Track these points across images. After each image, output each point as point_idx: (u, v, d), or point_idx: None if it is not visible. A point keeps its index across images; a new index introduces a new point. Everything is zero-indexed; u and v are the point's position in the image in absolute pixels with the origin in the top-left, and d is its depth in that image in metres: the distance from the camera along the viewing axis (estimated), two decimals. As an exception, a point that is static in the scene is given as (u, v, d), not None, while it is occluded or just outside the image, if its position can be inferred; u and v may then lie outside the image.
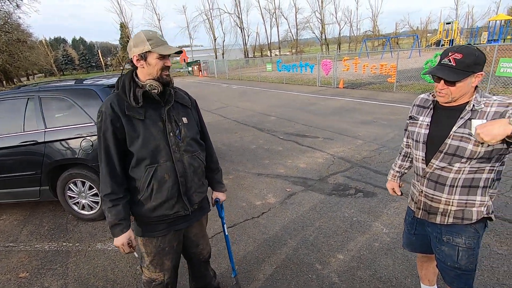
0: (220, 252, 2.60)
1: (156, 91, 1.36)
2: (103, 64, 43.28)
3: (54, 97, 3.17)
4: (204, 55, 43.88)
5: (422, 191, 1.43)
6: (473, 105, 1.24)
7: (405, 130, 1.63)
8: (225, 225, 1.90)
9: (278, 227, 2.93)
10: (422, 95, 1.50)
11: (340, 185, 3.70)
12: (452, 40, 25.73)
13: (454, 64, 1.20)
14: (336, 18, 54.58)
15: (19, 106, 3.20)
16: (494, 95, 1.32)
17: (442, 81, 1.25)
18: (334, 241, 2.64)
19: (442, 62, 1.24)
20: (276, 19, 46.89)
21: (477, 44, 23.35)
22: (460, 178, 1.29)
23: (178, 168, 1.42)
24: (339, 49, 48.29)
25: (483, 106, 1.22)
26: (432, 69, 1.27)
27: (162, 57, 1.35)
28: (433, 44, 28.63)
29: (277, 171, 4.31)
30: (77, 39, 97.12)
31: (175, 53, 1.38)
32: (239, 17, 44.30)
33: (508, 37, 24.38)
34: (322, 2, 45.72)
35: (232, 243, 2.72)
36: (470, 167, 1.26)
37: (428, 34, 42.92)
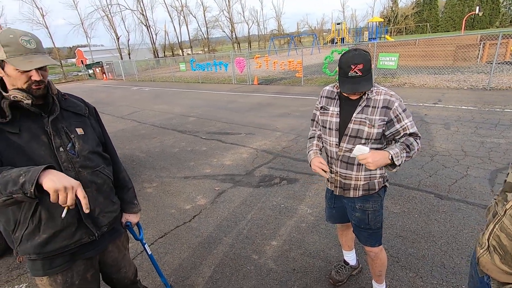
0: (152, 267, 2.42)
1: (28, 101, 1.10)
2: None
3: None
4: (107, 55, 39.41)
5: (337, 172, 1.64)
6: (368, 94, 1.47)
7: (313, 120, 1.80)
8: (146, 245, 1.71)
9: (211, 227, 2.91)
10: (327, 87, 1.67)
11: (266, 176, 3.90)
12: (343, 38, 29.85)
13: (361, 74, 1.35)
14: (244, 17, 56.59)
15: None
16: (378, 84, 1.61)
17: (354, 92, 1.40)
18: (267, 229, 2.78)
19: (349, 75, 1.37)
20: (184, 17, 45.51)
21: (361, 42, 27.74)
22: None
23: None
24: (250, 47, 50.25)
25: (374, 94, 1.47)
26: (346, 86, 1.40)
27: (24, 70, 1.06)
28: (329, 42, 32.69)
29: (203, 172, 4.25)
30: None
31: (38, 68, 1.08)
32: (143, 14, 41.25)
33: (382, 35, 29.73)
34: (229, 1, 46.59)
35: (165, 254, 2.58)
36: (370, 149, 1.46)
37: (324, 33, 48.57)
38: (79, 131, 1.26)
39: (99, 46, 53.16)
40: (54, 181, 0.94)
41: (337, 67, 1.48)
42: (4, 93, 1.09)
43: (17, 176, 0.94)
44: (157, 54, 42.62)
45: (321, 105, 1.66)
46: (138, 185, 3.98)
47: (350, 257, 2.14)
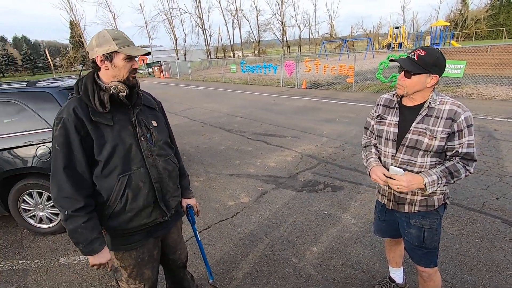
0: (196, 256, 2.56)
1: (123, 94, 1.27)
2: (51, 64, 39.72)
3: (1, 101, 2.87)
4: (165, 55, 42.47)
5: None
6: (430, 103, 1.38)
7: (366, 128, 1.72)
8: (197, 231, 1.85)
9: (253, 225, 2.97)
10: (385, 95, 1.59)
11: (310, 181, 3.85)
12: (401, 43, 27.99)
13: (416, 59, 1.32)
14: (296, 20, 56.44)
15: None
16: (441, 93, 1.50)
17: (402, 73, 1.37)
18: (308, 235, 2.75)
19: (408, 55, 1.37)
20: (238, 20, 47.10)
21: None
22: (423, 172, 1.41)
23: (152, 174, 1.35)
24: (300, 50, 49.88)
25: (438, 103, 1.37)
26: (398, 58, 1.41)
27: (129, 58, 1.26)
28: (385, 47, 30.91)
29: (248, 171, 4.34)
30: (19, 37, 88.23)
31: (144, 54, 1.31)
32: (200, 18, 43.68)
33: (447, 41, 27.17)
34: (282, 5, 46.90)
35: (208, 245, 2.70)
36: (430, 162, 1.41)
37: (380, 38, 46.15)
38: (154, 123, 1.42)
39: (158, 47, 57.49)
40: (94, 259, 1.27)
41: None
42: (105, 85, 1.27)
43: (78, 242, 1.25)
44: (210, 55, 44.69)
45: (377, 114, 1.58)
46: (187, 178, 4.22)
47: (397, 274, 2.01)
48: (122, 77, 1.27)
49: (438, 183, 1.35)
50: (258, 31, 48.70)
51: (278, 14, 47.58)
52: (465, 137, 1.34)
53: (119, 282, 1.50)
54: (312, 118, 7.25)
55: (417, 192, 1.48)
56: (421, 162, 1.42)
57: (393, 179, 1.40)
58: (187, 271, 1.90)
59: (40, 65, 66.03)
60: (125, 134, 1.29)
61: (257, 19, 48.26)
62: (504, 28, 43.73)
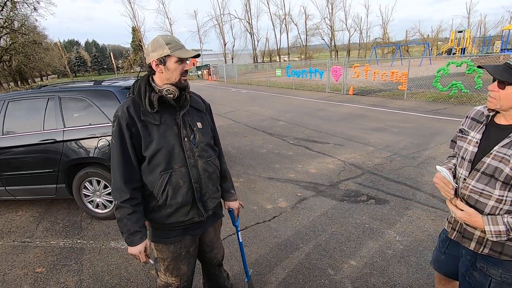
0: (232, 254, 2.61)
1: (172, 95, 1.34)
2: (114, 66, 44.14)
3: (73, 97, 3.26)
4: (214, 59, 44.35)
5: None
6: None
7: (453, 141, 1.51)
8: (239, 233, 1.88)
9: (289, 231, 2.93)
10: (478, 107, 1.33)
11: (352, 192, 3.69)
12: (464, 48, 25.45)
13: None
14: (346, 25, 54.58)
15: (39, 105, 3.31)
16: None
17: (495, 83, 1.14)
18: (347, 247, 2.63)
19: (507, 62, 1.11)
20: (286, 25, 47.26)
21: (490, 53, 23.11)
22: (501, 208, 1.15)
23: (192, 174, 1.40)
24: (349, 55, 48.23)
25: None
26: (489, 65, 1.15)
27: (181, 61, 1.33)
28: (445, 53, 28.40)
29: (287, 176, 4.31)
30: (90, 41, 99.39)
31: (193, 56, 1.36)
32: (249, 23, 44.77)
33: (522, 46, 24.02)
34: (332, 9, 45.92)
35: (244, 245, 2.74)
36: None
37: (439, 42, 42.60)
38: (199, 125, 1.48)
39: (208, 51, 60.19)
40: (131, 249, 1.38)
41: None
42: (158, 87, 1.36)
43: (122, 232, 1.37)
44: (256, 59, 45.51)
45: (462, 127, 1.35)
46: (227, 178, 4.34)
47: None
48: (175, 80, 1.34)
49: (504, 235, 1.10)
50: (306, 35, 48.32)
51: (327, 19, 46.71)
52: None
53: (158, 272, 1.60)
54: (358, 126, 6.94)
55: (491, 232, 1.16)
56: (499, 196, 1.14)
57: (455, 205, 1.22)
58: (223, 269, 1.95)
59: (105, 66, 73.71)
60: (170, 134, 1.36)
61: (305, 23, 47.95)
62: None
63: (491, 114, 1.23)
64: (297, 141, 6.05)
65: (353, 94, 12.31)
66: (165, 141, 1.35)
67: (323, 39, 48.71)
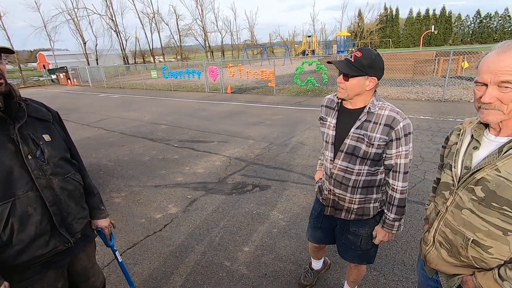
0: (121, 278, 2.34)
1: None
2: None
3: None
4: (72, 60, 37.48)
5: (330, 190, 1.52)
6: (369, 108, 1.33)
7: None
8: (117, 252, 1.67)
9: (183, 236, 2.87)
10: (328, 96, 1.54)
11: (239, 184, 3.93)
12: (314, 50, 31.06)
13: (353, 60, 1.28)
14: (217, 26, 56.61)
15: None
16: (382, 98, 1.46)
17: (341, 76, 1.33)
18: (239, 236, 2.80)
19: (346, 57, 1.32)
20: (156, 24, 44.81)
21: (331, 54, 29.05)
22: (360, 180, 1.42)
23: (46, 197, 1.16)
24: (223, 56, 50.49)
25: (377, 109, 1.33)
26: (335, 60, 1.35)
27: None
28: (300, 53, 33.84)
29: (175, 180, 4.18)
30: None
31: (4, 52, 1.07)
32: (112, 20, 40.01)
33: (350, 49, 31.44)
34: (202, 10, 46.73)
35: (134, 264, 2.50)
36: (368, 170, 1.40)
37: (295, 45, 50.17)
38: (46, 137, 1.22)
39: (63, 51, 50.55)
40: None
41: None
42: None
43: None
44: (127, 60, 41.37)
45: (321, 115, 1.54)
46: (106, 195, 3.82)
47: (318, 265, 2.17)
48: None
49: (399, 224, 1.42)
50: (179, 36, 47.38)
51: (198, 20, 47.24)
52: (402, 146, 1.31)
53: None
54: (239, 122, 7.42)
55: (354, 201, 1.48)
56: (358, 170, 1.40)
57: None
58: (108, 297, 1.72)
59: None
60: (3, 154, 1.08)
61: (177, 23, 46.89)
62: (390, 39, 52.89)
63: (339, 101, 1.45)
64: (182, 143, 5.93)
65: (231, 93, 13.02)
66: None
67: (197, 40, 49.12)
